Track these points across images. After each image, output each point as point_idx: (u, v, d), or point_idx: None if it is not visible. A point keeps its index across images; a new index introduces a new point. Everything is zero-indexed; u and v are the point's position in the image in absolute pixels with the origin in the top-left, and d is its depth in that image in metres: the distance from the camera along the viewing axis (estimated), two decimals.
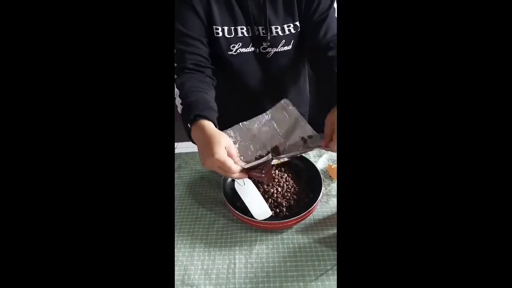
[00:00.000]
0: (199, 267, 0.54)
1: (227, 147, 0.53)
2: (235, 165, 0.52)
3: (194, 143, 0.58)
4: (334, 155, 0.77)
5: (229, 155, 0.53)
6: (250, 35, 0.71)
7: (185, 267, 0.54)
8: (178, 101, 0.64)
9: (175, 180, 0.75)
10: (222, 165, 0.51)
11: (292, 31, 0.72)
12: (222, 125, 0.93)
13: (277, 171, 0.70)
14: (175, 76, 0.70)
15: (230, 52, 0.72)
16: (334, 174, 0.71)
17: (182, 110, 0.62)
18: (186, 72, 0.69)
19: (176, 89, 0.66)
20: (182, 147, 2.16)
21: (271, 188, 0.66)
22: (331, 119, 0.56)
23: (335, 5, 0.71)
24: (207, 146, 0.52)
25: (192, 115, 0.57)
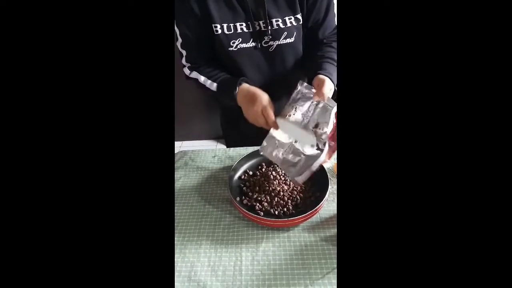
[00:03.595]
0: (206, 263, 0.55)
1: (267, 100, 0.66)
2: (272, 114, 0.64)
3: (237, 105, 0.70)
4: None
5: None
6: (250, 30, 0.72)
7: (192, 264, 0.55)
8: (209, 83, 0.75)
9: (182, 178, 0.75)
10: (264, 109, 0.64)
11: (294, 23, 0.72)
12: (229, 121, 0.94)
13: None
14: (190, 72, 0.78)
15: (231, 48, 0.73)
16: None
17: (221, 82, 0.74)
18: (202, 65, 0.77)
19: (201, 76, 0.76)
20: (187, 146, 2.17)
21: (278, 186, 0.66)
22: (318, 81, 0.65)
23: (335, 0, 0.74)
24: (254, 96, 0.66)
25: (239, 80, 0.71)
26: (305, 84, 0.65)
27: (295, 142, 0.64)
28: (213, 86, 0.75)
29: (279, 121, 0.64)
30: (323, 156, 0.58)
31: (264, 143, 0.65)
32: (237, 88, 0.70)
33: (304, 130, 0.62)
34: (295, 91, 0.65)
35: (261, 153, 0.65)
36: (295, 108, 0.63)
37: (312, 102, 0.63)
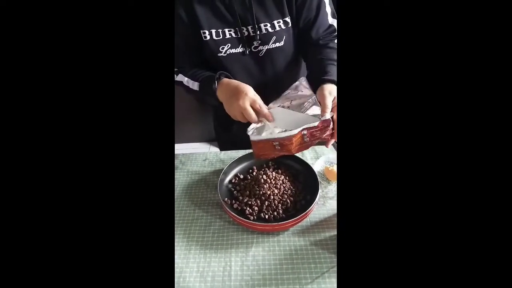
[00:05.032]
0: (195, 269, 0.54)
1: (254, 93, 0.64)
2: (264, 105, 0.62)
3: (219, 102, 0.68)
4: (331, 157, 0.77)
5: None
6: (238, 36, 0.71)
7: (181, 270, 0.54)
8: (192, 83, 0.73)
9: None
10: (254, 103, 0.61)
11: (283, 26, 0.72)
12: (222, 124, 0.94)
13: (274, 172, 0.70)
14: (175, 76, 0.76)
15: (220, 54, 0.73)
16: (331, 176, 0.71)
17: (202, 81, 0.72)
18: (188, 68, 0.76)
19: (185, 77, 0.74)
20: (179, 148, 2.16)
21: (268, 190, 0.66)
22: (321, 93, 0.62)
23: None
24: (237, 90, 0.63)
25: (218, 73, 0.68)
26: (305, 81, 0.64)
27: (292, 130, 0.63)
28: (195, 86, 0.73)
29: (274, 110, 0.62)
30: (287, 133, 0.58)
31: (253, 125, 0.64)
32: (216, 83, 0.67)
33: (303, 114, 0.61)
34: (294, 85, 0.64)
35: (248, 133, 0.64)
36: (291, 101, 0.63)
37: (309, 100, 0.62)
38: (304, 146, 0.61)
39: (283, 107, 0.63)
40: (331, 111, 0.61)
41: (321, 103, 0.61)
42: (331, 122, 0.59)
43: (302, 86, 0.64)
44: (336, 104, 0.62)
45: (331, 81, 0.65)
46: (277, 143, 0.60)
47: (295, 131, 0.57)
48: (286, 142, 0.58)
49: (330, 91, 0.62)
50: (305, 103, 0.62)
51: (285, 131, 0.60)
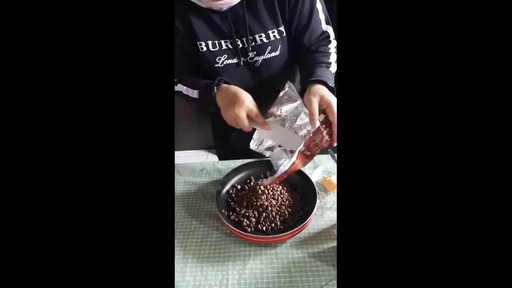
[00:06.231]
0: (191, 283, 0.53)
1: (251, 101, 0.64)
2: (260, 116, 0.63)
3: (218, 108, 0.68)
4: (329, 167, 0.77)
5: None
6: (233, 47, 0.72)
7: (177, 284, 0.53)
8: (191, 91, 0.73)
9: None
10: (250, 111, 0.62)
11: (277, 36, 0.72)
12: (220, 132, 0.93)
13: None
14: (175, 86, 0.76)
15: (217, 65, 0.73)
16: (329, 187, 0.70)
17: (201, 88, 0.72)
18: (187, 77, 0.76)
19: (184, 87, 0.75)
20: (176, 156, 2.15)
21: (266, 201, 0.65)
22: (307, 98, 0.62)
23: (318, 5, 0.73)
24: (235, 97, 0.63)
25: (217, 79, 0.68)
26: (292, 86, 0.64)
27: (279, 146, 0.64)
28: (195, 93, 0.73)
29: (269, 121, 0.63)
30: (289, 163, 0.58)
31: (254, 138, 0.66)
32: (215, 88, 0.67)
33: (291, 134, 0.61)
34: (282, 92, 0.64)
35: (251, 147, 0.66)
36: (280, 109, 0.64)
37: (298, 104, 0.63)
38: (309, 158, 0.62)
39: (275, 116, 0.65)
40: (325, 112, 0.61)
41: (308, 110, 0.60)
42: (323, 128, 0.59)
43: (290, 90, 0.65)
44: (326, 104, 0.60)
45: (317, 82, 0.64)
46: (285, 175, 0.61)
47: (294, 158, 0.59)
48: (292, 169, 0.60)
49: (315, 92, 0.61)
50: (298, 107, 0.63)
51: (287, 155, 0.62)
